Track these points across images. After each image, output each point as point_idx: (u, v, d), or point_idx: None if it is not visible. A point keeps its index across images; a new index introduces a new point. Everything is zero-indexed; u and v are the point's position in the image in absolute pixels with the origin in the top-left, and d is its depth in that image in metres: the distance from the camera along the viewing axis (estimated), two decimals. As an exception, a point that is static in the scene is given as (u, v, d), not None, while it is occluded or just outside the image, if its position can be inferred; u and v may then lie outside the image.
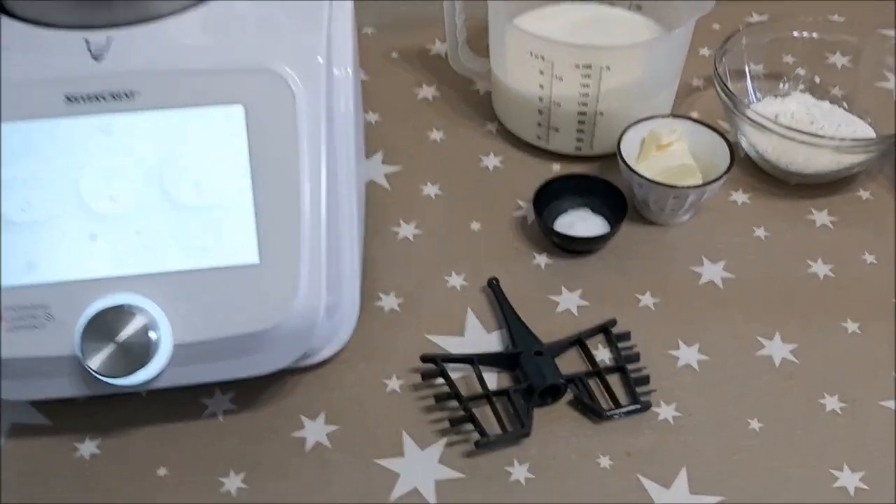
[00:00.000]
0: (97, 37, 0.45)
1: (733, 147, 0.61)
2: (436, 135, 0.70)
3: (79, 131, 0.44)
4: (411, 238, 0.62)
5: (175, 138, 0.45)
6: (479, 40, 0.70)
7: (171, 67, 0.45)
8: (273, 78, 0.45)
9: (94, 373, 0.43)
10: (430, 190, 0.65)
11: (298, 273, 0.45)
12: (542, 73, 0.62)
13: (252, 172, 0.45)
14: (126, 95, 0.44)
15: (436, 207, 0.64)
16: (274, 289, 0.45)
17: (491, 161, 0.68)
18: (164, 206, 0.45)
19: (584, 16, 0.71)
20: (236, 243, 0.45)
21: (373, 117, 0.71)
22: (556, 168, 0.67)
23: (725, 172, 0.59)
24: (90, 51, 0.44)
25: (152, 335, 0.43)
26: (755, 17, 0.80)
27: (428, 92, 0.74)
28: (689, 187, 0.59)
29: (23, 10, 0.46)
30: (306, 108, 0.46)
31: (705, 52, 0.76)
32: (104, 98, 0.44)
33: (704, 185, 0.59)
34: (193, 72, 0.45)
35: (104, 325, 0.43)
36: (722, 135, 0.61)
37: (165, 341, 0.44)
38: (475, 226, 0.63)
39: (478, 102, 0.73)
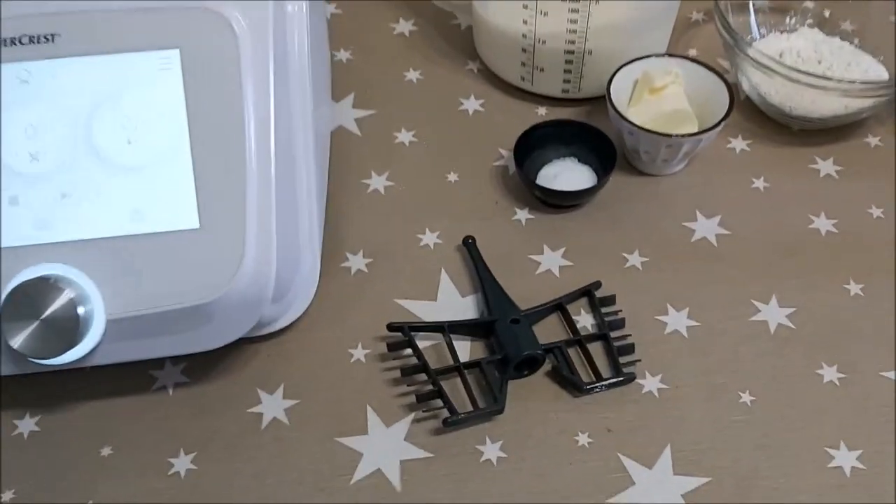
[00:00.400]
0: (11, -28, 0.39)
1: (733, 90, 0.56)
2: (412, 75, 0.65)
3: (-6, 80, 0.39)
4: (382, 191, 0.57)
5: (103, 88, 0.40)
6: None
7: (96, 7, 0.39)
8: (212, 17, 0.40)
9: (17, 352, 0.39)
10: (405, 137, 0.60)
11: (244, 238, 0.40)
12: (525, 7, 0.56)
13: (190, 126, 0.40)
14: (46, 39, 0.39)
15: (410, 156, 0.60)
16: (217, 256, 0.40)
17: (471, 104, 0.62)
18: (93, 164, 0.40)
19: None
20: (174, 206, 0.40)
21: (344, 55, 0.66)
22: (542, 112, 0.62)
23: (723, 119, 0.54)
24: (4, -15, 0.39)
25: (81, 310, 0.39)
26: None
27: (405, 27, 0.68)
28: (682, 136, 0.54)
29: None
30: (251, 51, 0.41)
31: (706, -18, 0.70)
32: (21, 42, 0.39)
33: (700, 133, 0.54)
34: (122, 11, 0.40)
35: (26, 299, 0.39)
36: (721, 76, 0.56)
37: (97, 316, 0.40)
38: (452, 177, 0.58)
39: (459, 38, 0.67)
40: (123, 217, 0.40)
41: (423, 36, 0.67)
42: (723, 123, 0.54)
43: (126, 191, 0.40)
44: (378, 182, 0.58)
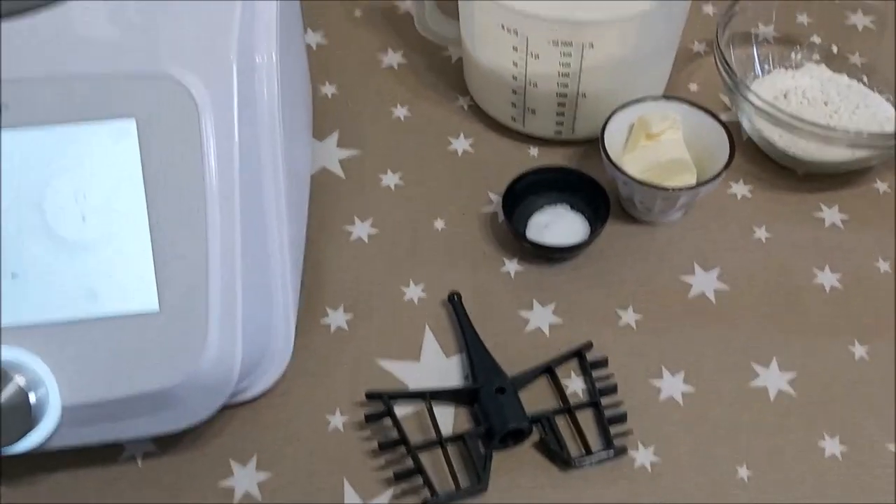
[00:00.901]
0: (-44, 36, 0.37)
1: (734, 136, 0.53)
2: (400, 111, 0.62)
3: (-64, 154, 0.37)
4: (365, 239, 0.55)
5: (55, 161, 0.37)
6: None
7: (46, 74, 0.37)
8: (170, 85, 0.37)
9: (-34, 442, 0.37)
10: (390, 179, 0.58)
11: (207, 320, 0.38)
12: (515, 49, 0.54)
13: (148, 201, 0.38)
14: (-8, 110, 0.37)
15: (395, 201, 0.57)
16: (178, 340, 0.38)
17: (461, 144, 0.60)
18: (46, 242, 0.38)
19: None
20: (131, 286, 0.38)
21: (329, 90, 0.63)
22: (534, 153, 0.59)
23: (723, 170, 0.51)
24: (-53, 53, 0.37)
25: (33, 396, 0.37)
26: (768, -33, 0.70)
27: (393, 59, 0.65)
28: (679, 189, 0.51)
29: None
30: (213, 118, 0.38)
31: (709, 9, 0.67)
32: (-35, 114, 0.37)
33: (697, 186, 0.51)
34: (74, 79, 0.37)
35: (-24, 387, 0.36)
36: (721, 122, 0.53)
37: (52, 402, 0.37)
38: (439, 224, 0.56)
39: (449, 71, 0.64)
40: (78, 298, 0.38)
41: (411, 68, 0.65)
42: (722, 175, 0.51)
43: (80, 270, 0.38)
44: (361, 229, 0.55)
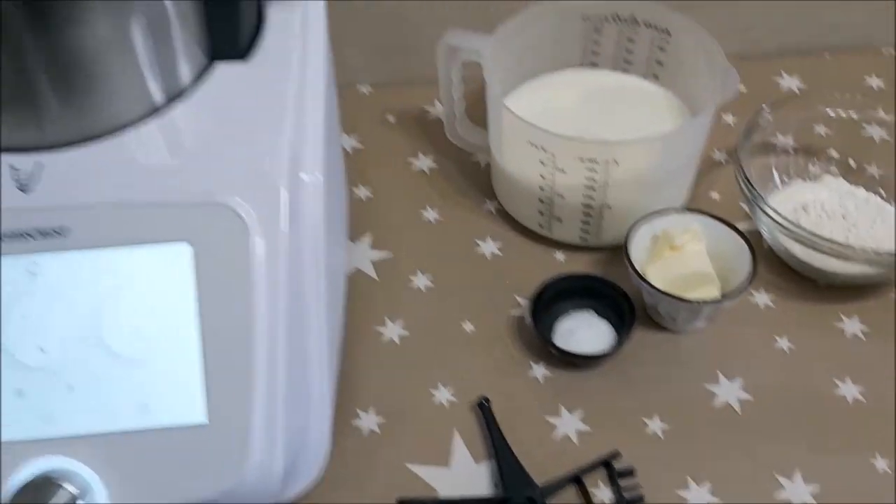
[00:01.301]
0: (25, 162, 0.40)
1: (755, 249, 0.54)
2: (430, 214, 0.64)
3: (2, 272, 0.39)
4: (397, 340, 0.57)
5: (112, 281, 0.39)
6: (479, 105, 0.64)
7: (107, 200, 0.39)
8: (224, 212, 0.40)
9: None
10: (421, 281, 0.60)
11: (252, 431, 0.40)
12: (542, 163, 0.56)
13: (200, 319, 0.40)
14: (56, 233, 0.39)
15: (426, 302, 0.59)
16: (224, 450, 0.40)
17: (489, 247, 0.62)
18: (101, 357, 0.39)
19: (596, 84, 0.65)
20: (181, 400, 0.39)
21: (363, 192, 0.66)
22: (560, 258, 0.61)
23: (746, 284, 0.53)
24: (17, 179, 0.39)
25: (83, 505, 0.38)
26: (784, 78, 0.73)
27: (424, 163, 0.68)
28: (703, 302, 0.53)
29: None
30: (263, 239, 0.40)
31: (729, 119, 0.69)
32: (32, 236, 0.39)
33: (720, 300, 0.53)
34: (134, 205, 0.40)
35: (28, 496, 0.38)
36: (743, 235, 0.55)
37: (100, 511, 0.39)
38: (468, 327, 0.57)
39: (477, 176, 0.67)
40: (130, 411, 0.39)
41: (441, 173, 0.67)
42: (745, 289, 0.53)
43: (133, 384, 0.39)
44: (393, 330, 0.57)
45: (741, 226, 0.56)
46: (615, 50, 0.65)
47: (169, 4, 0.40)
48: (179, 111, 0.42)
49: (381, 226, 0.64)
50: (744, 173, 0.57)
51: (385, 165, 0.68)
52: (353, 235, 0.63)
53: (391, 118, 0.71)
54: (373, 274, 0.61)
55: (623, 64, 0.65)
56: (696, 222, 0.56)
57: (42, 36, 0.37)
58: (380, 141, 0.70)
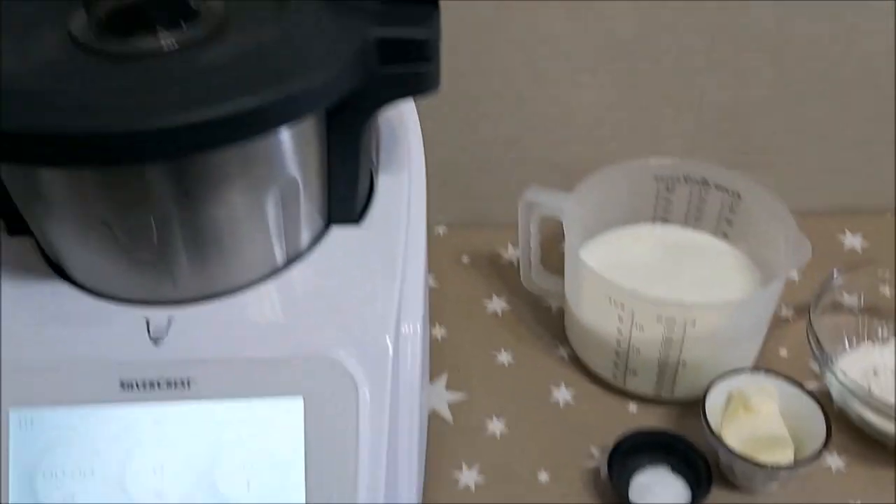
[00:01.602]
0: (158, 316, 0.43)
1: (829, 414, 0.56)
2: (504, 357, 0.66)
3: (130, 420, 0.42)
4: (473, 488, 0.58)
5: (229, 430, 0.42)
6: (553, 253, 0.67)
7: (230, 355, 0.42)
8: (335, 367, 0.42)
9: None
10: (496, 426, 0.61)
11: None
12: (620, 319, 0.58)
13: (307, 465, 0.42)
14: (182, 384, 0.42)
15: (501, 449, 0.60)
16: None
17: (562, 395, 0.64)
18: (213, 501, 0.42)
19: (667, 239, 0.68)
20: (286, 547, 0.41)
21: (440, 332, 0.68)
22: (633, 410, 0.62)
23: (821, 450, 0.54)
24: (149, 332, 0.42)
25: None
26: (847, 236, 0.75)
27: (498, 305, 0.70)
28: (778, 467, 0.54)
29: (84, 278, 0.44)
30: (368, 390, 0.43)
31: (794, 275, 0.71)
32: (159, 385, 0.42)
33: (796, 466, 0.54)
34: (253, 360, 0.42)
35: None
36: (816, 398, 0.56)
37: None
38: (543, 476, 0.58)
39: (550, 321, 0.69)
40: (237, 556, 0.41)
41: (515, 315, 0.70)
42: (820, 455, 0.54)
43: (241, 531, 0.41)
44: (469, 477, 0.58)
45: (811, 384, 0.58)
46: (686, 207, 0.68)
47: (300, 180, 0.43)
48: (297, 271, 0.46)
49: (457, 366, 0.66)
50: (815, 336, 0.59)
51: (460, 305, 0.71)
52: (430, 375, 0.65)
53: (466, 259, 0.74)
54: (448, 416, 0.62)
55: (693, 221, 0.68)
56: (771, 383, 0.57)
57: (186, 208, 0.41)
58: (455, 281, 0.73)
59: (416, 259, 0.49)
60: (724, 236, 0.67)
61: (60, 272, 0.45)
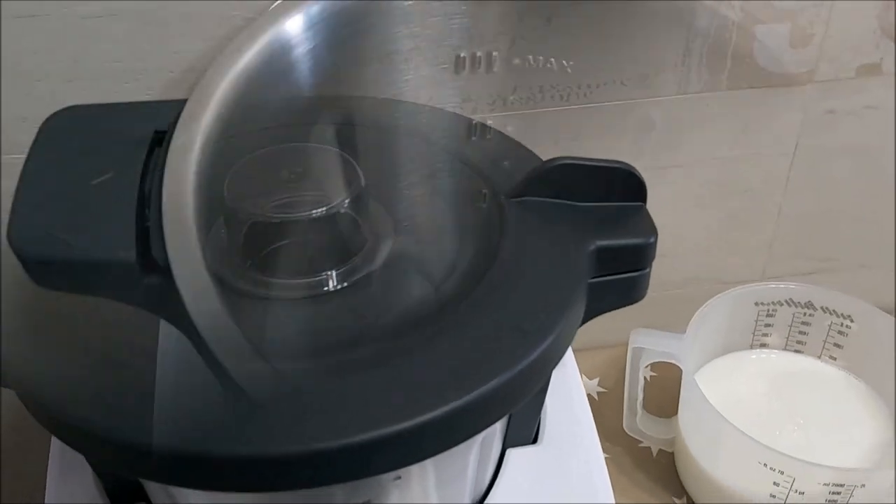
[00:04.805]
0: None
1: None
2: (616, 516, 0.60)
3: None
4: None
5: None
6: (663, 392, 0.61)
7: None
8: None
9: None
10: None
11: None
12: (776, 484, 0.53)
13: None
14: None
15: None
16: None
17: (694, 558, 0.57)
18: None
19: (778, 368, 0.63)
20: None
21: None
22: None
23: None
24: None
25: None
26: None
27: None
28: None
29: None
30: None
31: None
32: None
33: None
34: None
35: None
36: None
37: None
38: None
39: (648, 465, 0.62)
40: None
41: (613, 462, 0.63)
42: None
43: None
44: None
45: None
46: (787, 331, 0.63)
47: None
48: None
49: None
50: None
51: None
52: None
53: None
54: None
55: (795, 344, 0.64)
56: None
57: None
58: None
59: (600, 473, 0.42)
60: (832, 360, 0.63)
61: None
